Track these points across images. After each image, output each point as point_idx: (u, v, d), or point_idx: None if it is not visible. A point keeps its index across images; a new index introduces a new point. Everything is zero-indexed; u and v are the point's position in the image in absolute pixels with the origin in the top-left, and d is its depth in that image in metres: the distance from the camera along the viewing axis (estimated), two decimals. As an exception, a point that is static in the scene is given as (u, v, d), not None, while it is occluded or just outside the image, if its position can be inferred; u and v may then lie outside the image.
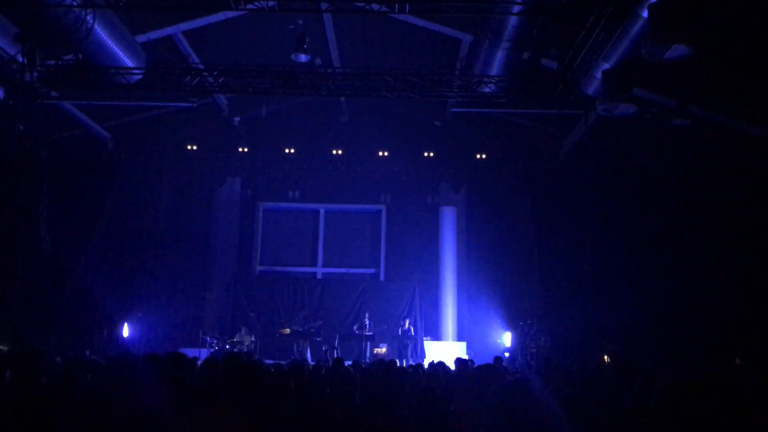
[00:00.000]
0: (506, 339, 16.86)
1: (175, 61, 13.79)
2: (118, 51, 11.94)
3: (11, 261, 14.72)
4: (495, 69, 12.20)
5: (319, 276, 19.81)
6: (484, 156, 18.34)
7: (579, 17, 10.52)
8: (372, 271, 19.84)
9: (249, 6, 10.70)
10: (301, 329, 15.86)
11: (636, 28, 9.68)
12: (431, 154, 18.40)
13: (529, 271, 16.82)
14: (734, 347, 12.63)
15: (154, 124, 17.03)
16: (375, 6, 10.62)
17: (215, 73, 13.42)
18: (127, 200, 17.18)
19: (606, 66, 10.82)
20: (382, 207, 19.79)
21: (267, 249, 20.11)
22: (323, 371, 7.74)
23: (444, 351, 15.67)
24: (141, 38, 12.87)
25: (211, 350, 15.06)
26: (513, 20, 10.39)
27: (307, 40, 12.54)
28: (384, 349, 15.75)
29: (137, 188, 17.50)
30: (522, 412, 2.56)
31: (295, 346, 15.83)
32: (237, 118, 17.56)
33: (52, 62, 12.78)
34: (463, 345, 16.79)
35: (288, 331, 16.05)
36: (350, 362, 10.35)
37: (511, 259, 17.64)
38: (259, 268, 19.85)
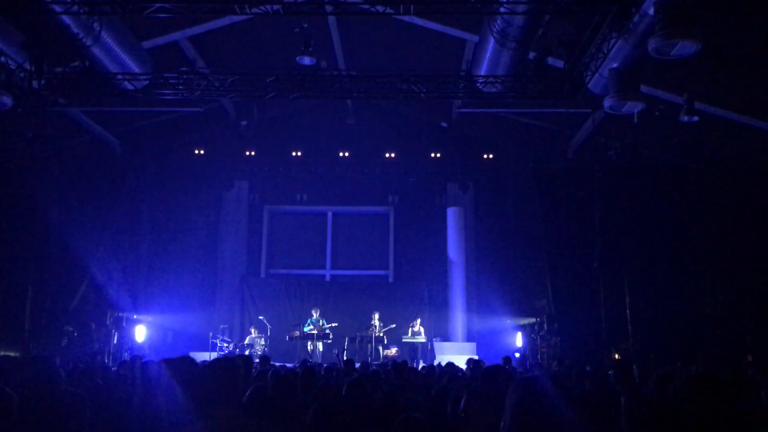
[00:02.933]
0: (516, 339, 16.82)
1: (181, 66, 13.83)
2: (125, 57, 12.01)
3: (22, 267, 14.79)
4: (501, 69, 12.17)
5: (327, 278, 19.83)
6: (491, 156, 18.31)
7: (585, 16, 10.49)
8: (381, 272, 19.83)
9: (254, 10, 10.70)
10: (306, 330, 15.87)
11: (642, 26, 9.63)
12: (438, 155, 18.38)
13: (538, 270, 16.76)
14: (745, 344, 12.57)
15: (162, 130, 17.10)
16: (380, 8, 10.62)
17: (221, 77, 13.45)
18: (136, 206, 17.25)
19: (613, 64, 10.78)
20: (390, 208, 19.78)
21: (275, 252, 20.15)
22: (334, 373, 7.73)
23: (454, 352, 15.64)
24: (147, 44, 12.92)
25: (221, 354, 15.07)
26: (518, 20, 10.37)
27: (312, 43, 12.55)
28: (394, 351, 15.73)
29: (146, 194, 17.57)
30: (535, 411, 2.55)
31: (306, 348, 15.85)
32: (244, 122, 17.61)
33: (60, 70, 12.83)
34: (473, 346, 16.76)
35: (298, 333, 16.07)
36: (359, 364, 10.34)
37: (520, 258, 17.59)
38: (267, 271, 19.89)
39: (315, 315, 16.26)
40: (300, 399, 4.54)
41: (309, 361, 11.69)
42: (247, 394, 3.93)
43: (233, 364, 3.62)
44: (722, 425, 2.91)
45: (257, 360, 9.78)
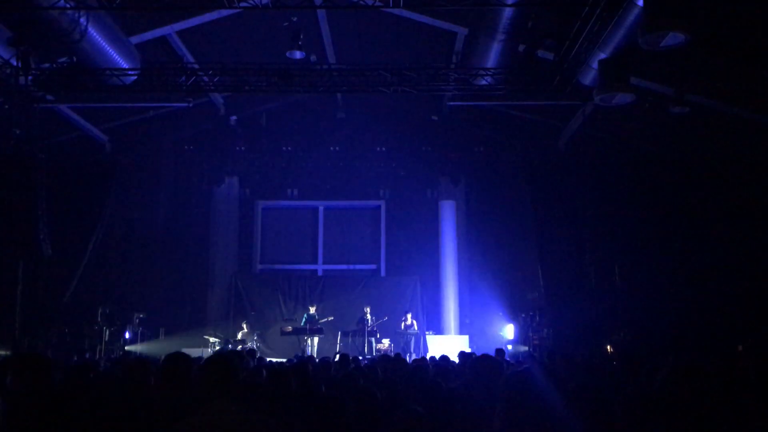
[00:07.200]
0: (508, 331, 16.87)
1: (169, 61, 13.75)
2: (113, 52, 11.91)
3: (12, 266, 14.69)
4: (491, 61, 12.17)
5: (320, 273, 19.81)
6: (482, 149, 18.32)
7: (574, 7, 10.50)
8: (373, 266, 19.83)
9: (243, 4, 10.66)
10: (304, 326, 15.86)
11: (631, 17, 9.65)
12: (429, 149, 18.38)
13: (529, 263, 16.80)
14: (736, 334, 12.65)
15: (151, 125, 16.99)
16: (369, 1, 10.59)
17: (210, 72, 13.38)
18: (126, 202, 17.16)
19: (602, 56, 10.80)
20: (381, 202, 19.77)
21: (267, 247, 20.10)
22: (332, 369, 7.73)
23: (446, 345, 15.68)
24: (135, 39, 12.83)
25: (214, 349, 15.05)
26: (508, 12, 10.36)
27: (301, 37, 12.51)
28: (387, 344, 15.76)
29: (136, 190, 17.47)
30: (527, 404, 2.55)
31: (299, 343, 15.86)
32: (233, 117, 17.53)
33: (47, 65, 12.73)
34: (465, 338, 16.80)
35: (290, 328, 16.06)
36: (352, 358, 10.32)
37: (512, 251, 17.63)
38: (259, 266, 19.85)
39: (312, 311, 16.25)
40: (294, 393, 4.53)
41: (298, 356, 11.69)
42: (241, 388, 3.92)
43: (229, 360, 3.61)
44: (712, 416, 2.91)
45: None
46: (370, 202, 19.87)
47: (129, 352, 15.20)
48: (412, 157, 18.56)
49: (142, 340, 16.21)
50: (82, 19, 10.46)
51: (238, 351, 11.90)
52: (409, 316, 16.59)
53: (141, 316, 16.61)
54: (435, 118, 17.79)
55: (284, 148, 18.36)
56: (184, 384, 4.08)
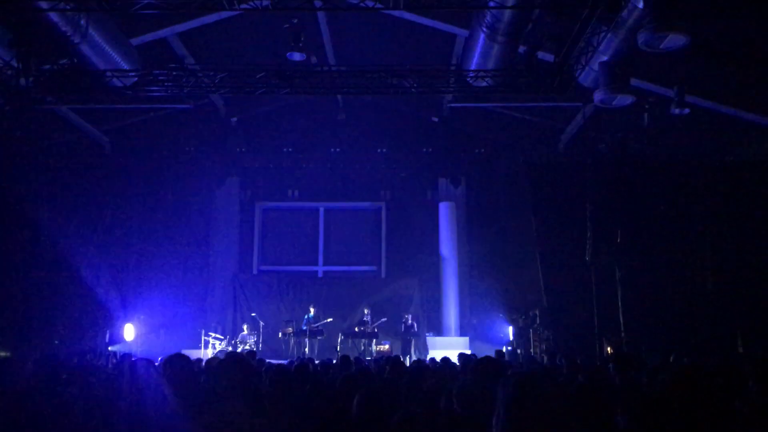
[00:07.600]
0: (509, 333, 16.87)
1: (170, 62, 13.75)
2: (113, 54, 11.93)
3: (11, 267, 14.70)
4: (491, 63, 12.18)
5: (320, 274, 19.82)
6: (482, 151, 18.32)
7: (574, 9, 10.51)
8: (373, 268, 19.84)
9: (243, 6, 10.66)
10: (305, 328, 15.86)
11: (632, 19, 9.66)
12: (429, 150, 18.39)
13: (530, 264, 16.80)
14: (736, 334, 12.67)
15: (151, 127, 17.00)
16: (369, 2, 10.60)
17: (211, 73, 13.38)
18: (126, 203, 17.16)
19: (603, 57, 10.81)
20: (382, 204, 19.79)
21: (267, 248, 20.12)
22: (330, 370, 7.74)
23: (447, 346, 15.68)
24: (135, 41, 12.85)
25: (214, 351, 15.05)
26: (508, 14, 10.36)
27: (302, 39, 12.52)
28: (387, 346, 15.75)
29: (136, 191, 17.48)
30: (528, 404, 2.55)
31: (299, 344, 15.85)
32: (234, 119, 17.55)
33: (48, 67, 12.74)
34: (465, 340, 16.81)
35: (290, 329, 16.07)
36: (353, 359, 10.31)
37: (512, 252, 17.61)
38: (259, 267, 19.87)
39: (312, 312, 16.25)
40: (294, 394, 4.54)
41: (298, 357, 11.70)
42: (242, 390, 3.92)
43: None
44: (711, 415, 2.92)
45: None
46: (371, 204, 19.88)
47: (129, 353, 15.18)
48: (412, 158, 18.57)
49: (142, 341, 16.21)
50: (83, 21, 10.48)
51: (237, 352, 11.90)
52: (409, 317, 16.60)
53: (141, 316, 16.62)
54: (435, 119, 17.80)
55: (285, 150, 18.37)
56: (184, 385, 4.08)
